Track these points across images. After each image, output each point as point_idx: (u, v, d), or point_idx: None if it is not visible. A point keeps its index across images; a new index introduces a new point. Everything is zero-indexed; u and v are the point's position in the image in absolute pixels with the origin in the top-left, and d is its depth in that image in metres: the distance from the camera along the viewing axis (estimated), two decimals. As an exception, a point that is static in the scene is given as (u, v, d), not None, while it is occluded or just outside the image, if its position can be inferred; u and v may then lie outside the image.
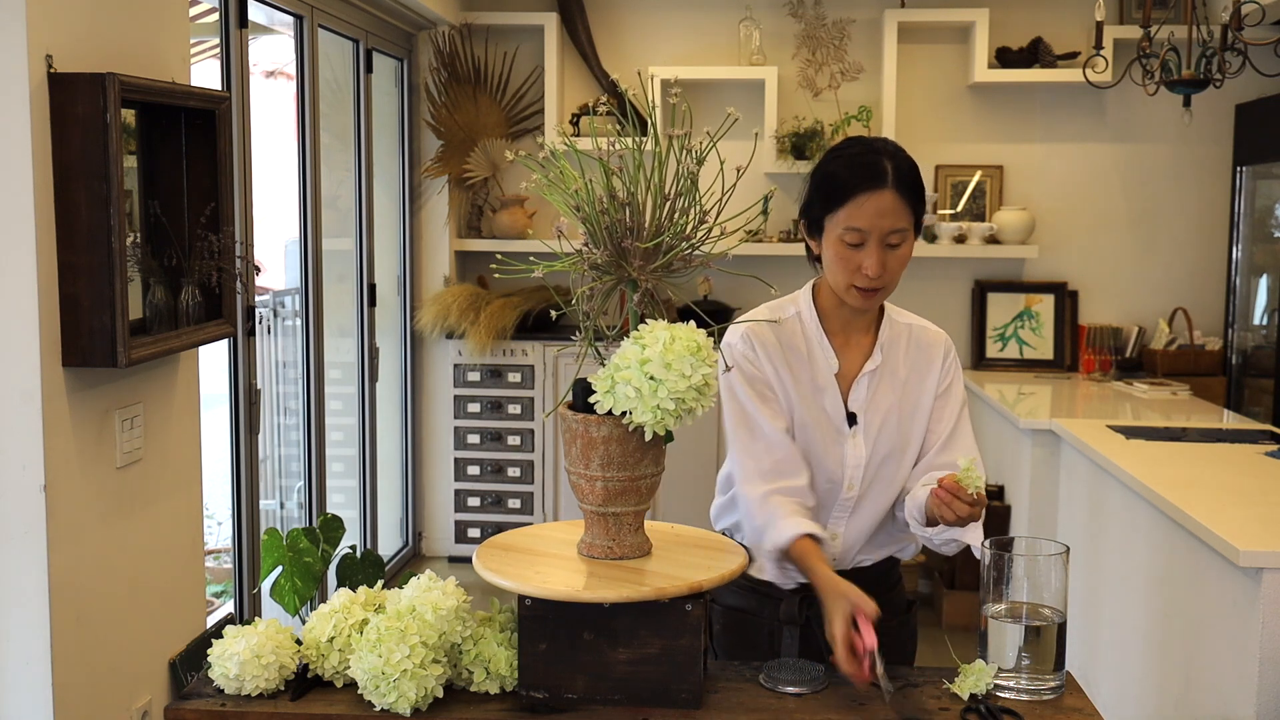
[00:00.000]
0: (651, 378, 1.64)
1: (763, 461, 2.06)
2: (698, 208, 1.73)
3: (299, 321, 4.32)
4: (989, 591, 1.82)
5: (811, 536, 1.98)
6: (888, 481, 2.13)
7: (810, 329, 2.12)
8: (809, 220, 2.11)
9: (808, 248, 2.15)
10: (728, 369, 2.07)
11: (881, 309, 2.16)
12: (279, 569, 1.88)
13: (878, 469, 2.11)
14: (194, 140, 2.65)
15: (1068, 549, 1.82)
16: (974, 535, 1.99)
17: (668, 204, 1.72)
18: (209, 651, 1.77)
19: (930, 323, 2.20)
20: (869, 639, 1.75)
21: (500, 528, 5.25)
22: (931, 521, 1.99)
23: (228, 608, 3.99)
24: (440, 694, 1.71)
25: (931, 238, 5.43)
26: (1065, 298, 5.55)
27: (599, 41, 5.57)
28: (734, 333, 2.11)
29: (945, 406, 2.15)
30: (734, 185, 1.71)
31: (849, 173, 2.01)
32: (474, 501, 5.43)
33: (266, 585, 1.94)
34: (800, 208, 2.14)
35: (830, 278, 2.08)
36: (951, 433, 2.14)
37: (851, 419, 2.10)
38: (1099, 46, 4.12)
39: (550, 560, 1.77)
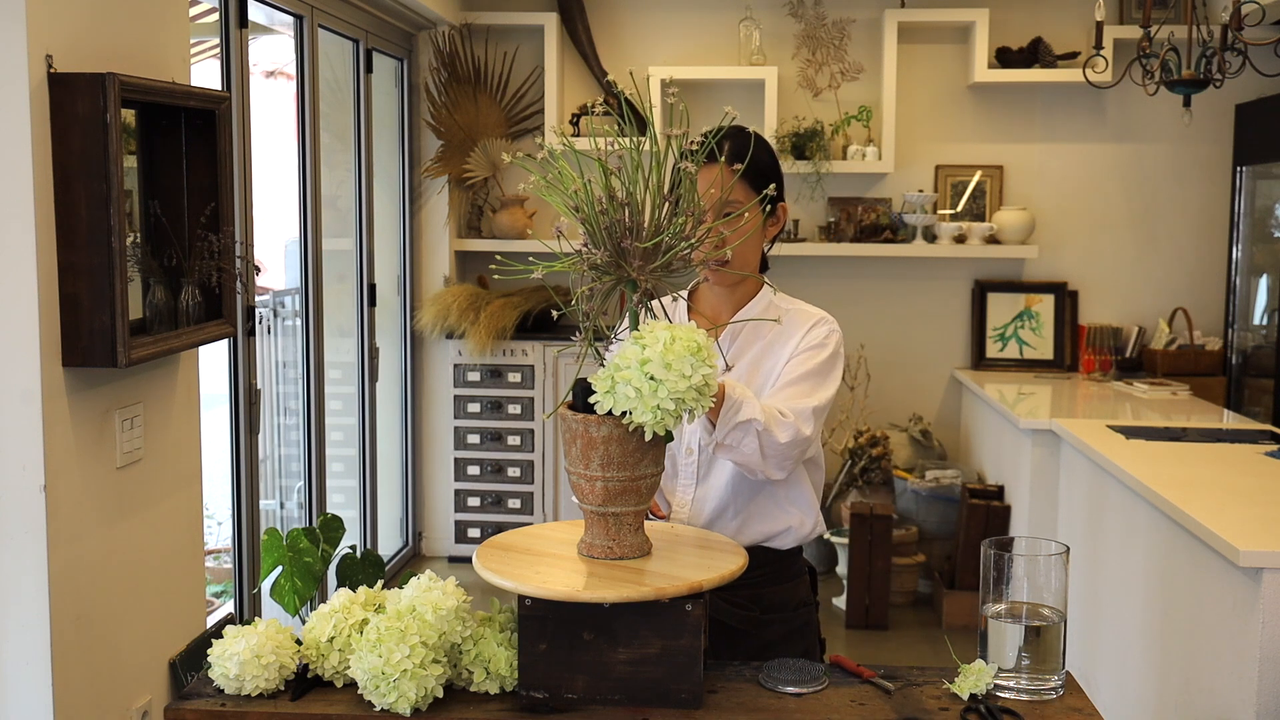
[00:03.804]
0: (651, 378, 1.64)
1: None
2: (697, 208, 1.73)
3: (299, 321, 4.32)
4: (989, 591, 1.82)
5: None
6: None
7: (677, 310, 2.22)
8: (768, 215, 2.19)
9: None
10: (728, 369, 2.08)
11: (758, 293, 2.22)
12: (279, 569, 1.88)
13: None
14: (194, 140, 2.65)
15: (1068, 549, 1.82)
16: (746, 410, 1.96)
17: (667, 204, 1.72)
18: (209, 651, 1.77)
19: (822, 312, 2.21)
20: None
21: (500, 528, 5.25)
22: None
23: (228, 608, 3.99)
24: (440, 694, 1.71)
25: (931, 238, 5.43)
26: (1065, 298, 5.55)
27: (599, 41, 5.57)
28: None
29: (797, 362, 2.13)
30: (733, 185, 1.70)
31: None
32: (474, 501, 5.43)
33: (266, 585, 1.94)
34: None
35: None
36: (789, 383, 2.11)
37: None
38: (1099, 46, 4.12)
39: (550, 560, 1.77)
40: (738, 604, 2.13)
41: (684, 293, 2.24)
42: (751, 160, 2.05)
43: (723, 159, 2.06)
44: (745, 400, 1.97)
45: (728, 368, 2.08)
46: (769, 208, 2.12)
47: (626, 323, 1.77)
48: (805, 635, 2.24)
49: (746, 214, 2.06)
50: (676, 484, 2.20)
